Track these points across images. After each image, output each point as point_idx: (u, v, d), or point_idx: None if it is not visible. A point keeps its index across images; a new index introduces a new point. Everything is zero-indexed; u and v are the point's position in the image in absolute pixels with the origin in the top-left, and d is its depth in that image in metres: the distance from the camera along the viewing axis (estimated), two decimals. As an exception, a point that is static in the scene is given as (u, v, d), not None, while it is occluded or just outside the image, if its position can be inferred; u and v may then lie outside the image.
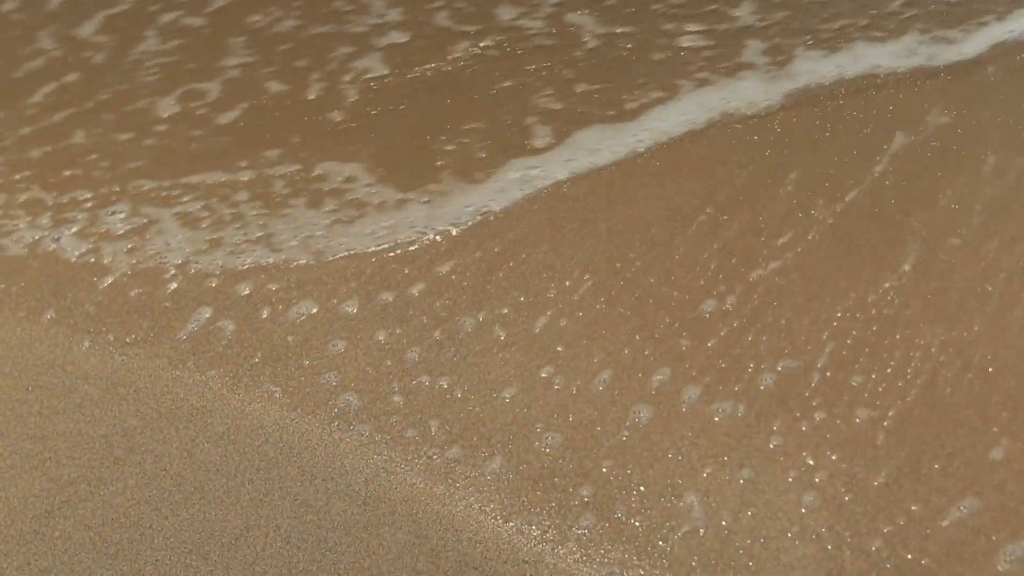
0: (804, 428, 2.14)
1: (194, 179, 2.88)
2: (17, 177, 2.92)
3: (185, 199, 2.81)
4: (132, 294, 2.58)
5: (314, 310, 2.47)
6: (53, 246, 2.71)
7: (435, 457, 2.14)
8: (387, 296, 2.48)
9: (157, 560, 2.02)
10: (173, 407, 2.30)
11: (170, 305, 2.55)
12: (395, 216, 2.71)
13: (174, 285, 2.60)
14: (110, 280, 2.63)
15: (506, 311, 2.43)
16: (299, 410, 2.26)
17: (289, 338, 2.42)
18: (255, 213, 2.75)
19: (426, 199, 2.74)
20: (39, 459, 2.23)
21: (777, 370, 2.26)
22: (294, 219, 2.73)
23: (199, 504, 2.11)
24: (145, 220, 2.77)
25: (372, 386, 2.30)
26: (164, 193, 2.85)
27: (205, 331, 2.47)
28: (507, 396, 2.24)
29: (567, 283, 2.49)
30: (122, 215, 2.78)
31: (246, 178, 2.85)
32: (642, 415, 2.19)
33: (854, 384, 2.22)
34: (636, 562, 1.93)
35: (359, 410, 2.25)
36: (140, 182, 2.89)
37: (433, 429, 2.20)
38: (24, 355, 2.46)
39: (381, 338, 2.40)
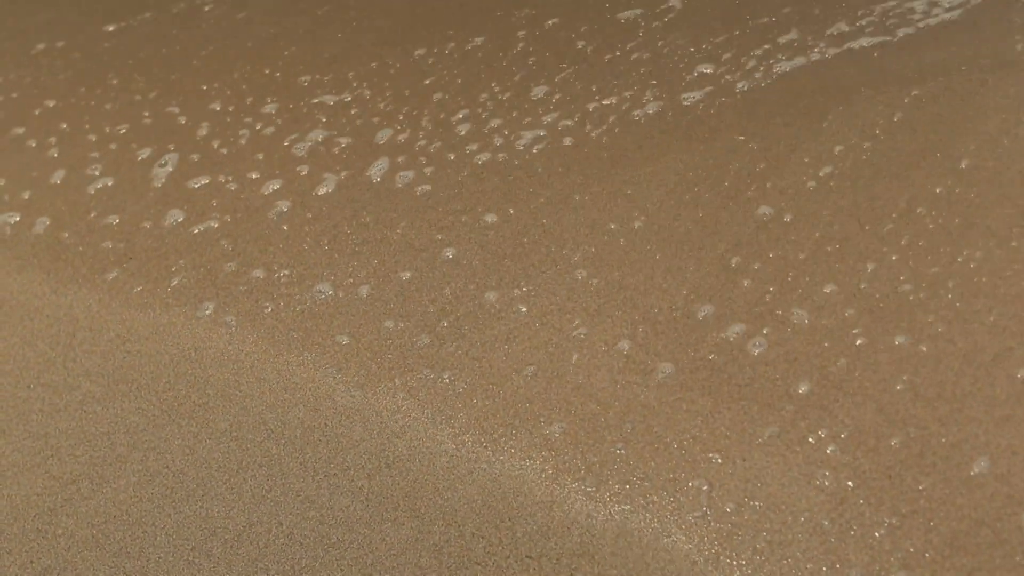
0: (809, 416, 2.11)
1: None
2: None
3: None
4: (135, 291, 2.57)
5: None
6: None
7: (438, 452, 2.13)
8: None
9: (160, 558, 2.01)
10: (175, 404, 2.29)
11: (172, 301, 2.54)
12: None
13: (175, 281, 2.59)
14: (114, 275, 2.62)
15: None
16: (301, 406, 2.25)
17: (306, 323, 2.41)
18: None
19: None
20: (41, 457, 2.22)
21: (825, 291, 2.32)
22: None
23: (202, 501, 2.10)
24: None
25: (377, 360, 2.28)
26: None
27: (208, 327, 2.46)
28: (529, 372, 2.23)
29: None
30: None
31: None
32: (663, 371, 2.17)
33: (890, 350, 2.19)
34: (640, 555, 1.91)
35: (362, 404, 2.24)
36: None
37: (436, 421, 2.18)
38: (25, 352, 2.46)
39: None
